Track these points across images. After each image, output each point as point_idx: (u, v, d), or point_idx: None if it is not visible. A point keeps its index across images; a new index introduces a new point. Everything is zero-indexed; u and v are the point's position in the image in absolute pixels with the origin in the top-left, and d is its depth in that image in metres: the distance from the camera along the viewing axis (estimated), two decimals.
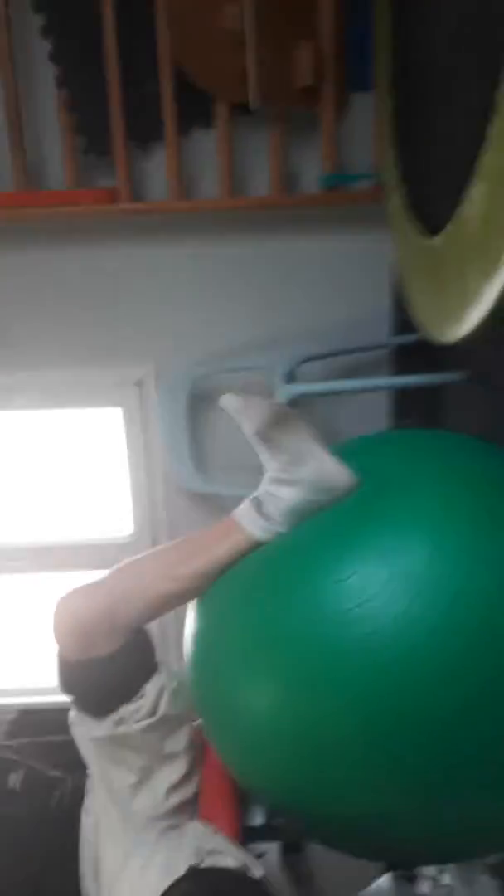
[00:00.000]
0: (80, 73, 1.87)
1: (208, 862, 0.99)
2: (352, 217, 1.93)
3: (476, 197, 0.90)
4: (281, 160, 1.89)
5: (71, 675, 1.07)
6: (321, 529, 0.97)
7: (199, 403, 2.04)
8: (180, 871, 0.97)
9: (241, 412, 1.01)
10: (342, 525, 0.95)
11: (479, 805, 0.90)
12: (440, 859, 1.13)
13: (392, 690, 0.84)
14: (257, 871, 0.99)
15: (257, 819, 1.13)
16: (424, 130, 1.21)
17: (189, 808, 1.14)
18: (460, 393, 1.82)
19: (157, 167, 1.94)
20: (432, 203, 1.16)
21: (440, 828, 0.93)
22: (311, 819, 1.01)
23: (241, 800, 1.16)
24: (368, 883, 1.40)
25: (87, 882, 1.12)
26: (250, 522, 1.03)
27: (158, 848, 1.04)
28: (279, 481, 1.02)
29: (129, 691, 1.06)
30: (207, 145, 1.92)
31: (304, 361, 1.95)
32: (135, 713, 1.06)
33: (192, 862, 0.98)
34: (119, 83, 1.82)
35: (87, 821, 1.17)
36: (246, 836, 1.11)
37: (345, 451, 1.13)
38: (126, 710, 1.06)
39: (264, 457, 1.03)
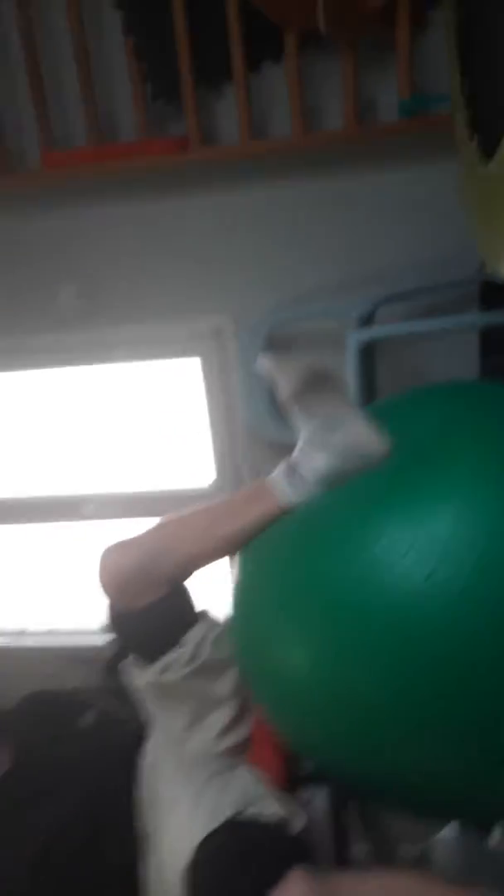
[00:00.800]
0: (145, 17, 1.82)
1: (250, 811, 1.00)
2: (433, 145, 1.80)
3: None
4: (356, 90, 1.78)
5: (116, 624, 1.12)
6: (351, 493, 0.97)
7: (277, 351, 2.00)
8: (221, 817, 0.99)
9: (274, 374, 1.00)
10: (372, 489, 0.95)
11: None
12: (480, 818, 1.10)
13: (419, 651, 0.84)
14: (298, 823, 0.99)
15: (307, 764, 1.14)
16: (487, 44, 1.10)
17: (241, 752, 1.17)
18: None
19: (229, 108, 1.88)
20: (494, 127, 1.06)
21: (474, 786, 0.91)
22: (344, 774, 1.02)
23: None
24: (436, 830, 1.38)
25: (142, 820, 1.17)
26: (283, 488, 1.03)
27: (205, 792, 1.07)
28: (312, 445, 1.01)
29: (169, 640, 1.10)
30: (278, 82, 1.84)
31: (383, 303, 1.87)
32: (177, 661, 1.09)
33: (235, 810, 1.00)
34: (185, 23, 1.76)
35: (145, 761, 1.22)
36: (295, 781, 1.12)
37: (385, 408, 1.10)
38: (169, 658, 1.10)
39: (298, 420, 1.02)
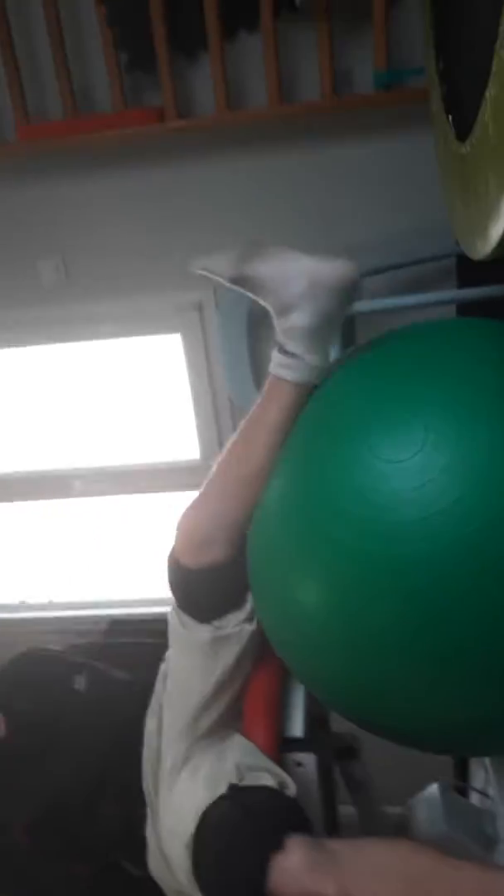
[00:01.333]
0: None
1: (248, 779, 1.03)
2: (410, 117, 1.80)
3: (492, 99, 0.82)
4: (332, 60, 1.76)
5: (187, 582, 1.10)
6: (381, 410, 0.93)
7: (259, 324, 2.02)
8: (221, 786, 1.02)
9: (210, 268, 0.99)
10: (404, 408, 0.91)
11: None
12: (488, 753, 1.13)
13: (444, 577, 0.82)
14: (292, 789, 1.03)
15: (297, 731, 1.18)
16: (461, 21, 1.11)
17: (236, 719, 1.19)
18: None
19: (206, 79, 1.86)
20: (467, 105, 1.07)
21: (485, 723, 0.92)
22: (362, 713, 1.02)
23: (282, 711, 1.21)
24: (419, 790, 1.44)
25: (147, 781, 1.20)
26: (282, 369, 1.01)
27: (205, 758, 1.10)
28: (282, 314, 0.98)
29: (238, 599, 1.10)
30: (254, 52, 1.82)
31: (361, 276, 1.88)
32: (234, 620, 1.10)
33: (233, 778, 1.03)
34: None
35: (150, 722, 1.22)
36: (285, 747, 1.16)
37: (404, 336, 1.07)
38: (231, 617, 1.10)
39: (259, 300, 1.00)
